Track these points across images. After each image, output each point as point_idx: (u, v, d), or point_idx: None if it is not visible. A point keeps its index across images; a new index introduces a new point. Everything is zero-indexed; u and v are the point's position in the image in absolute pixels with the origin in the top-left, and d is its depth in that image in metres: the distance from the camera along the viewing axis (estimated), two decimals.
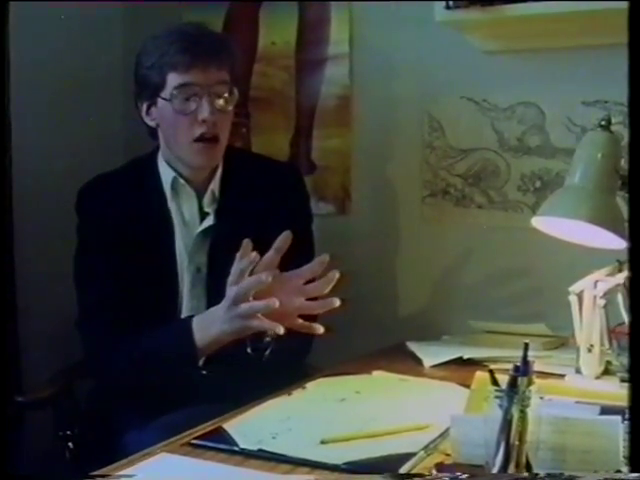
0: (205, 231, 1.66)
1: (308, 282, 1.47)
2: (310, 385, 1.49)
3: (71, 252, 1.65)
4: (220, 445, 1.19)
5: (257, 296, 1.41)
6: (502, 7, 1.73)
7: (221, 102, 1.60)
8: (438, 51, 2.00)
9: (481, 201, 2.00)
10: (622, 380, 1.44)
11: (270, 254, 1.44)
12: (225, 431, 1.25)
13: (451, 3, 1.77)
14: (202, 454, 1.17)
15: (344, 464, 1.12)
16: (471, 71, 1.97)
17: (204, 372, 1.53)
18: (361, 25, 2.11)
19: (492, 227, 1.98)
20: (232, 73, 1.63)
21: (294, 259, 1.47)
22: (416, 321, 2.03)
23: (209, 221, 1.66)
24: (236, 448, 1.18)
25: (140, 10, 2.29)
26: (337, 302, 1.43)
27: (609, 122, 1.50)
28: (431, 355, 1.70)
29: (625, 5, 1.03)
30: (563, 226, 1.53)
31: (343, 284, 1.46)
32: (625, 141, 1.30)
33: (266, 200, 1.68)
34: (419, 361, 1.69)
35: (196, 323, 1.49)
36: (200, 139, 1.60)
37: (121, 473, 1.10)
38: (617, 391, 1.39)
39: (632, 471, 1.01)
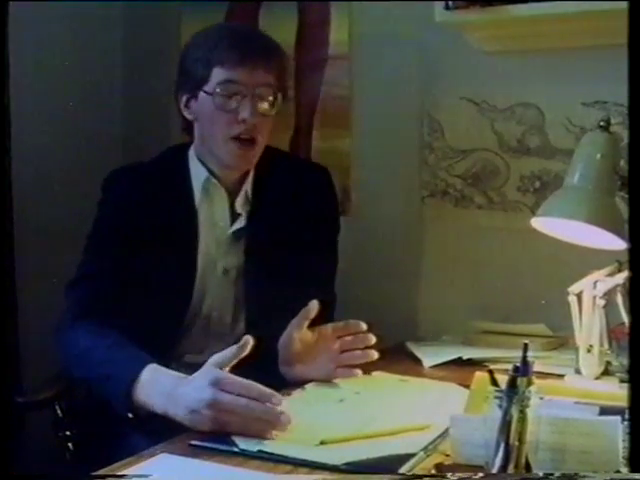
0: (235, 233, 1.64)
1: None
2: (309, 385, 1.49)
3: (71, 251, 1.65)
4: (220, 446, 1.19)
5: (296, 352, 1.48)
6: (502, 7, 1.73)
7: (264, 105, 1.56)
8: (438, 51, 2.00)
9: (481, 202, 2.00)
10: (621, 380, 1.45)
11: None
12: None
13: (451, 3, 1.77)
14: (202, 454, 1.17)
15: (344, 465, 1.12)
16: (471, 72, 1.97)
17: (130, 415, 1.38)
18: (361, 25, 2.10)
19: (491, 227, 1.98)
20: (279, 80, 1.59)
21: (314, 268, 1.49)
22: (416, 321, 2.03)
23: (240, 223, 1.64)
24: (236, 449, 1.18)
25: (140, 10, 2.29)
26: (375, 355, 1.49)
27: (608, 123, 1.50)
28: (431, 355, 1.70)
29: (625, 5, 1.03)
30: (562, 227, 1.53)
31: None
32: (625, 142, 1.30)
33: (298, 204, 1.66)
34: (419, 361, 1.69)
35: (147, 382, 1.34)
36: (237, 138, 1.56)
37: (121, 473, 1.10)
38: (616, 391, 1.39)
39: (632, 471, 1.01)
